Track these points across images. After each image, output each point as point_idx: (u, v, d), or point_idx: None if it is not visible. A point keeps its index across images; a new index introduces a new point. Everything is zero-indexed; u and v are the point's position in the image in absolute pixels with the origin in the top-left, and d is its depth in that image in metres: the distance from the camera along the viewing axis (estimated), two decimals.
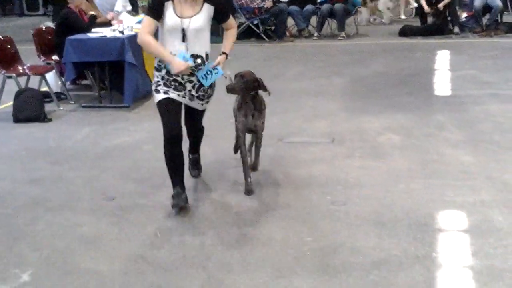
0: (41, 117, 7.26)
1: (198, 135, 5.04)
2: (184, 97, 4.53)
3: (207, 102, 4.69)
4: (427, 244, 3.98)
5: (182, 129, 4.49)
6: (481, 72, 9.06)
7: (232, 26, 4.66)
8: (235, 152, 5.22)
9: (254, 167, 5.19)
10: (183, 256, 3.96)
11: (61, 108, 7.83)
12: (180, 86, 4.49)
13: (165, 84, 4.47)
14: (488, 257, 3.80)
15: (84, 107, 7.91)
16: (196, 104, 4.63)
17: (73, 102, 8.09)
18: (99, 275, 3.76)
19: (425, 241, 4.03)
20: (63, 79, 8.28)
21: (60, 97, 8.20)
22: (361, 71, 9.56)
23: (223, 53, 4.58)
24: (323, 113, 7.23)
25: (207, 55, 4.51)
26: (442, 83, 8.65)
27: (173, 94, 4.47)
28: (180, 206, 4.51)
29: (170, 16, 4.35)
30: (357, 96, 8.01)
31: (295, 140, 6.24)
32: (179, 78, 4.45)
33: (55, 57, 8.35)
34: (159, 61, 4.47)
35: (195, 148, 5.17)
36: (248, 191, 4.83)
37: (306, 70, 9.84)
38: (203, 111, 4.79)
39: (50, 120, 7.31)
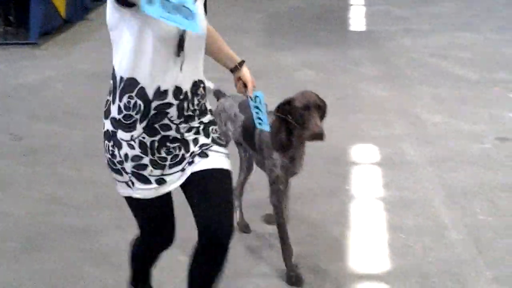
0: None
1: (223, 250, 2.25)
2: (190, 163, 2.28)
3: (226, 147, 2.52)
4: (341, 177, 4.05)
5: (174, 232, 2.42)
6: (395, 7, 9.16)
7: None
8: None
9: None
10: (95, 195, 3.87)
11: None
12: (176, 156, 2.25)
13: (137, 177, 2.23)
14: (398, 188, 3.90)
15: None
16: (216, 159, 2.34)
17: None
18: (7, 217, 3.62)
19: (339, 174, 4.10)
20: None
21: None
22: (278, 7, 9.48)
23: (241, 63, 2.80)
24: (240, 49, 6.99)
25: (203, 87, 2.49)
26: (357, 18, 8.70)
27: (160, 188, 2.26)
28: None
29: None
30: (274, 32, 7.95)
31: (210, 76, 6.15)
32: (172, 132, 2.21)
33: None
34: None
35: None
36: (297, 279, 2.99)
37: (221, 6, 9.64)
38: (230, 173, 2.41)
39: None
